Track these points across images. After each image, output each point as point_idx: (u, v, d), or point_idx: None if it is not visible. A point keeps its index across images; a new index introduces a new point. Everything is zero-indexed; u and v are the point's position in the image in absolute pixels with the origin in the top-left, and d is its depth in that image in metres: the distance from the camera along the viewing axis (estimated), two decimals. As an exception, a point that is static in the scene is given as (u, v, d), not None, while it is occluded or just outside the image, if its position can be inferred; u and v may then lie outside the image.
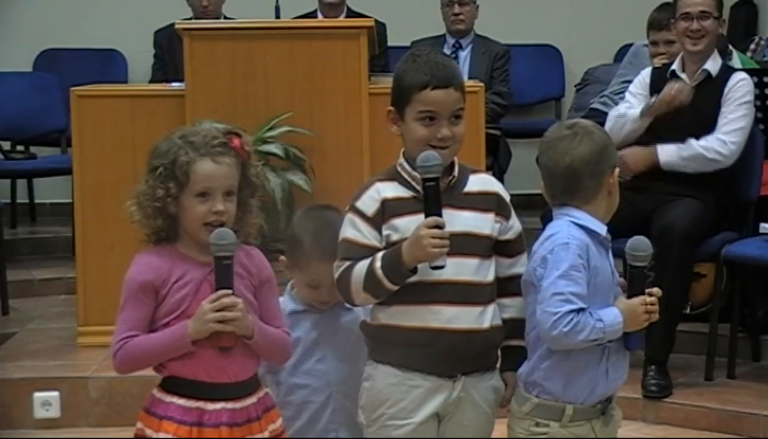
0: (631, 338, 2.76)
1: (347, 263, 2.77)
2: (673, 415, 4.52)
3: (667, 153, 4.79)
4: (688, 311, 5.07)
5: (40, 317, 5.57)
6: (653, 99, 4.82)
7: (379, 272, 2.71)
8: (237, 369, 2.72)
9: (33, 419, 4.55)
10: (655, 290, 2.76)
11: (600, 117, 5.63)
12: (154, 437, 2.68)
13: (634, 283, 2.75)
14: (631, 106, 4.93)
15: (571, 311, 2.68)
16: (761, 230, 4.73)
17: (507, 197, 2.88)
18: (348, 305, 2.96)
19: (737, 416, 4.43)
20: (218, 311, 2.64)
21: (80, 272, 5.05)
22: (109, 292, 4.70)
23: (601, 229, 2.80)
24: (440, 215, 2.69)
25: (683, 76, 4.87)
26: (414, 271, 2.71)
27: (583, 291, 2.71)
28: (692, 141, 4.77)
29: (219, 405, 2.69)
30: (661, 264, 4.60)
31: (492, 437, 2.89)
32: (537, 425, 2.79)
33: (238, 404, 2.71)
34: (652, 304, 2.73)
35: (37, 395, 4.55)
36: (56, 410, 4.54)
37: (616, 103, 5.42)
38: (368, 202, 2.79)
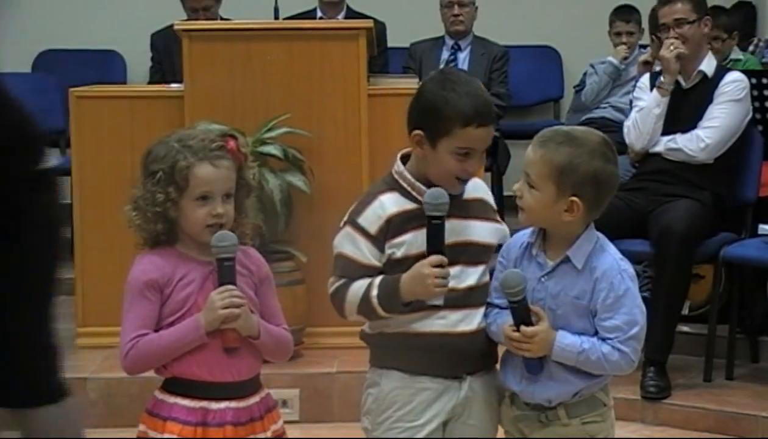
0: (528, 363, 2.71)
1: (343, 281, 2.74)
2: (672, 416, 4.52)
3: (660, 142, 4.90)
4: (686, 312, 5.07)
5: (38, 318, 5.56)
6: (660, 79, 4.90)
7: (374, 301, 2.69)
8: (241, 368, 2.73)
9: (31, 420, 4.55)
10: (530, 330, 2.65)
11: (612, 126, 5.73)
12: (158, 438, 2.69)
13: (515, 316, 2.67)
14: (643, 100, 4.96)
15: (488, 303, 2.79)
16: (760, 231, 4.74)
17: (492, 200, 2.87)
18: None
19: (736, 417, 4.43)
20: (227, 299, 2.66)
21: (79, 272, 5.04)
22: (108, 293, 4.72)
23: (525, 232, 2.79)
24: (444, 251, 2.66)
25: (680, 78, 4.90)
26: (408, 304, 2.69)
27: (497, 286, 2.76)
28: (678, 135, 4.83)
29: (223, 404, 2.70)
30: (659, 265, 4.62)
31: (496, 437, 2.89)
32: None
33: (242, 403, 2.72)
34: (511, 338, 2.67)
35: (36, 396, 4.54)
36: (55, 411, 4.54)
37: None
38: (372, 219, 2.72)
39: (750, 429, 4.39)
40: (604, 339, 2.67)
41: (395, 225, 2.71)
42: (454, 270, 2.70)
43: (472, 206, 2.80)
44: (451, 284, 2.70)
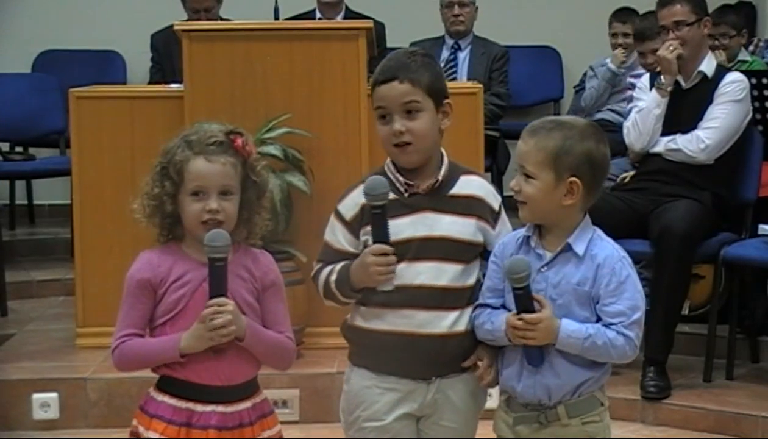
0: (529, 354, 2.70)
1: (320, 265, 2.81)
2: (672, 416, 4.52)
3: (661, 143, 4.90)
4: (686, 312, 5.07)
5: (38, 319, 5.57)
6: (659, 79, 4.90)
7: (333, 286, 2.75)
8: (230, 372, 2.70)
9: (32, 421, 4.55)
10: (534, 316, 2.63)
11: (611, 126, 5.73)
12: (145, 434, 2.68)
13: (518, 303, 2.67)
14: (643, 100, 4.96)
15: (478, 305, 2.78)
16: (760, 232, 4.74)
17: (495, 203, 2.83)
18: None
19: (736, 417, 4.43)
20: (212, 329, 2.61)
21: (79, 273, 5.05)
22: (108, 293, 4.72)
23: (520, 230, 2.78)
24: (388, 240, 2.68)
25: (679, 78, 4.90)
26: (359, 292, 2.73)
27: (490, 286, 2.77)
28: (678, 136, 4.84)
29: (209, 408, 2.68)
30: (659, 265, 4.62)
31: (475, 437, 2.88)
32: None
33: (229, 408, 2.69)
34: (515, 326, 2.65)
35: (36, 396, 4.54)
36: (55, 411, 4.54)
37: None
38: (349, 206, 2.78)
39: (750, 429, 4.39)
40: (607, 325, 2.68)
41: (369, 212, 2.73)
42: (426, 265, 2.71)
43: (457, 202, 2.77)
44: (424, 280, 2.72)
